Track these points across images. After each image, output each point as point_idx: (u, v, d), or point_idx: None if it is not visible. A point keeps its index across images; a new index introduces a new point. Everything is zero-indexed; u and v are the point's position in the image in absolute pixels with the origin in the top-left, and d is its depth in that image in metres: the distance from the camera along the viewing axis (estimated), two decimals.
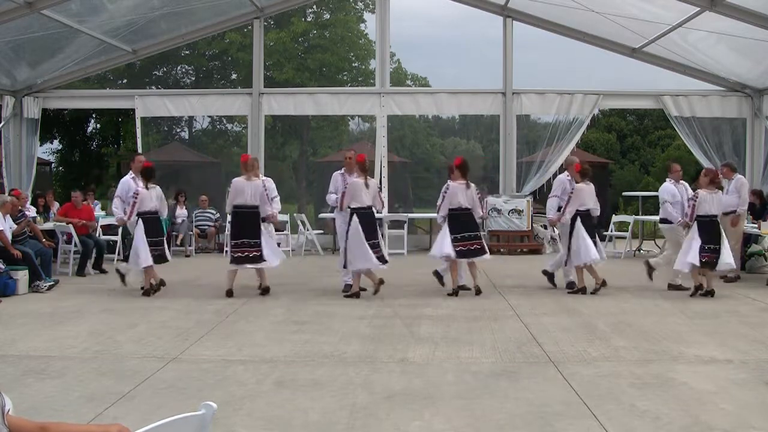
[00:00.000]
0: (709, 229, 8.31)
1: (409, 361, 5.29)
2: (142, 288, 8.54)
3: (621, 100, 15.44)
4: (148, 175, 8.66)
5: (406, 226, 13.66)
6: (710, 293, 8.28)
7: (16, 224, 9.33)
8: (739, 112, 13.50)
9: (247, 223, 8.29)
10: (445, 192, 8.50)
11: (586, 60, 38.09)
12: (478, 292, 8.38)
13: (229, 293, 8.22)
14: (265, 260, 8.30)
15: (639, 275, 9.31)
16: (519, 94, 13.81)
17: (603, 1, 11.70)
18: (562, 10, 12.52)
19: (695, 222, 8.37)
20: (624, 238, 13.37)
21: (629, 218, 13.91)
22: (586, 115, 13.78)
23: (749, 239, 10.80)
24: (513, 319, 6.97)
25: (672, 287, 8.80)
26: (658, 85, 16.70)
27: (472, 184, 8.61)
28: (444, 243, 8.48)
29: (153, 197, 8.54)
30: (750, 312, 7.40)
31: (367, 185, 8.32)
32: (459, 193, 8.42)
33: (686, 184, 9.57)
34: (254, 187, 8.34)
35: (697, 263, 8.23)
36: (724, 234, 8.51)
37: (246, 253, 8.21)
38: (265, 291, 8.42)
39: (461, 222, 8.43)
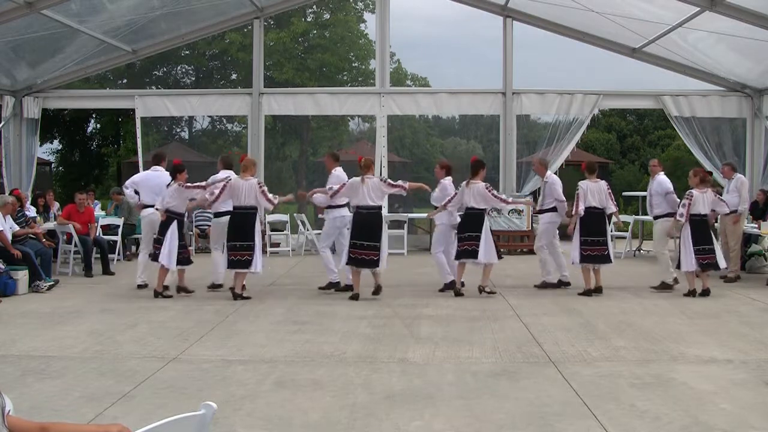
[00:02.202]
0: (702, 228, 8.34)
1: (409, 361, 5.29)
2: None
3: (621, 100, 15.41)
4: (170, 172, 8.89)
5: (406, 226, 13.67)
6: (705, 293, 8.27)
7: (20, 228, 9.33)
8: (739, 112, 13.48)
9: (241, 225, 8.14)
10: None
11: (586, 60, 38.24)
12: (455, 291, 8.39)
13: (235, 296, 8.11)
14: (253, 266, 8.07)
15: (639, 275, 9.29)
16: (519, 94, 13.79)
17: (603, 1, 11.69)
18: (562, 10, 12.51)
19: (688, 223, 8.37)
20: (624, 238, 13.37)
21: (629, 218, 13.89)
22: (586, 115, 13.76)
23: (749, 239, 10.80)
24: (513, 319, 6.97)
25: (663, 286, 8.80)
26: (658, 85, 16.68)
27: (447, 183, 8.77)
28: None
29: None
30: (750, 312, 7.41)
31: (362, 181, 8.20)
32: (465, 193, 8.47)
33: (658, 179, 9.16)
34: (249, 187, 8.18)
35: (694, 269, 8.26)
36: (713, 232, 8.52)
37: (237, 257, 8.07)
38: (235, 296, 8.11)
39: (464, 222, 8.46)
